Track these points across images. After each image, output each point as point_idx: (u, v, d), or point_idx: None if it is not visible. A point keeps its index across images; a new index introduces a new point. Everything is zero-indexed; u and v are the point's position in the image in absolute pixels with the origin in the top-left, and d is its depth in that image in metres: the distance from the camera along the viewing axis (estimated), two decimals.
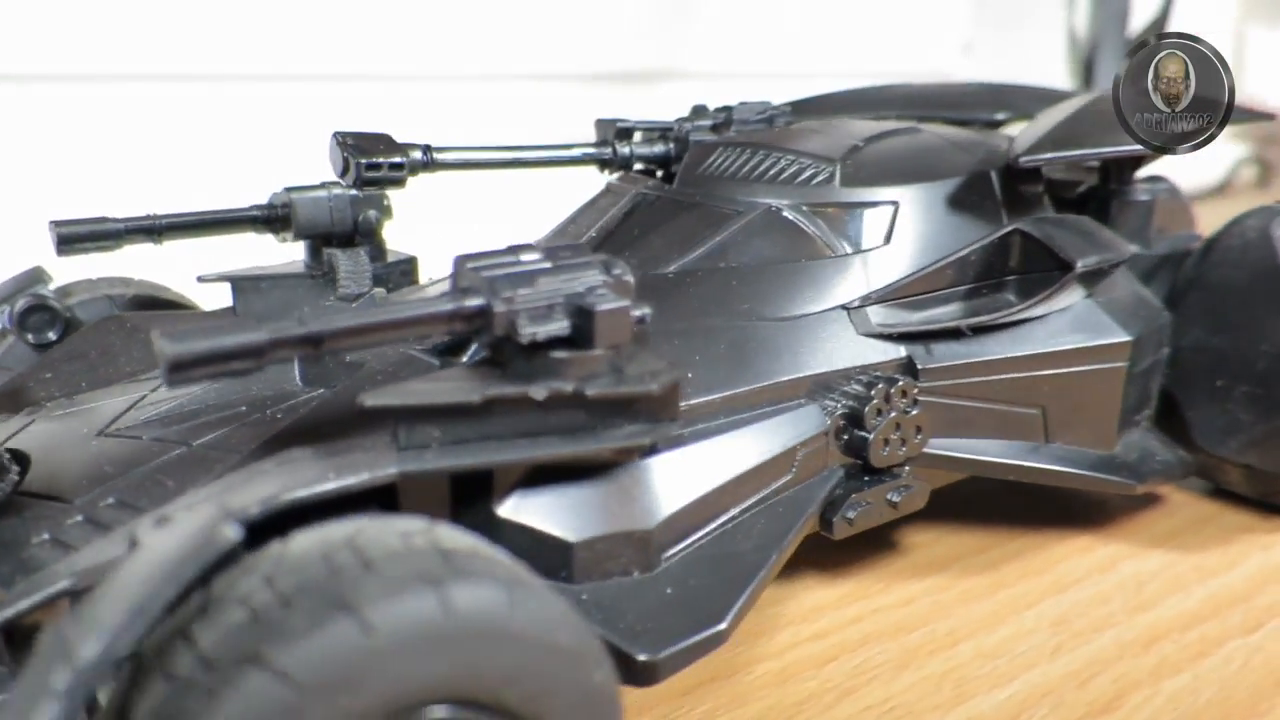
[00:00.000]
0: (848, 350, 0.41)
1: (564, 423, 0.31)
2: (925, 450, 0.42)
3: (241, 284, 0.43)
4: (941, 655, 0.41)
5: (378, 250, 0.46)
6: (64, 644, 0.20)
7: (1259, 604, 0.45)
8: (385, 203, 0.46)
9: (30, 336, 0.43)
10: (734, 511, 0.36)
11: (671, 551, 0.34)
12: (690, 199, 0.45)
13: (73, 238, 0.40)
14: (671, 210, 0.45)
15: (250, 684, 0.20)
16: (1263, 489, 0.50)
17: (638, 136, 0.49)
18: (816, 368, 0.40)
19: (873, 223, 0.44)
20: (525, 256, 0.32)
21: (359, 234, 0.45)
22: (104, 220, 0.41)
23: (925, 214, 0.45)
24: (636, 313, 0.32)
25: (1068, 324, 0.45)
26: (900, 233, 0.44)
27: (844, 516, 0.39)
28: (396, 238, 0.47)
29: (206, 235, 0.44)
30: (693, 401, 0.36)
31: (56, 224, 0.40)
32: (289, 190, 0.44)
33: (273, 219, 0.44)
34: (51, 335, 0.44)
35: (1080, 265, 0.42)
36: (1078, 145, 0.46)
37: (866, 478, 0.41)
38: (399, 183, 0.43)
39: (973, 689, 0.39)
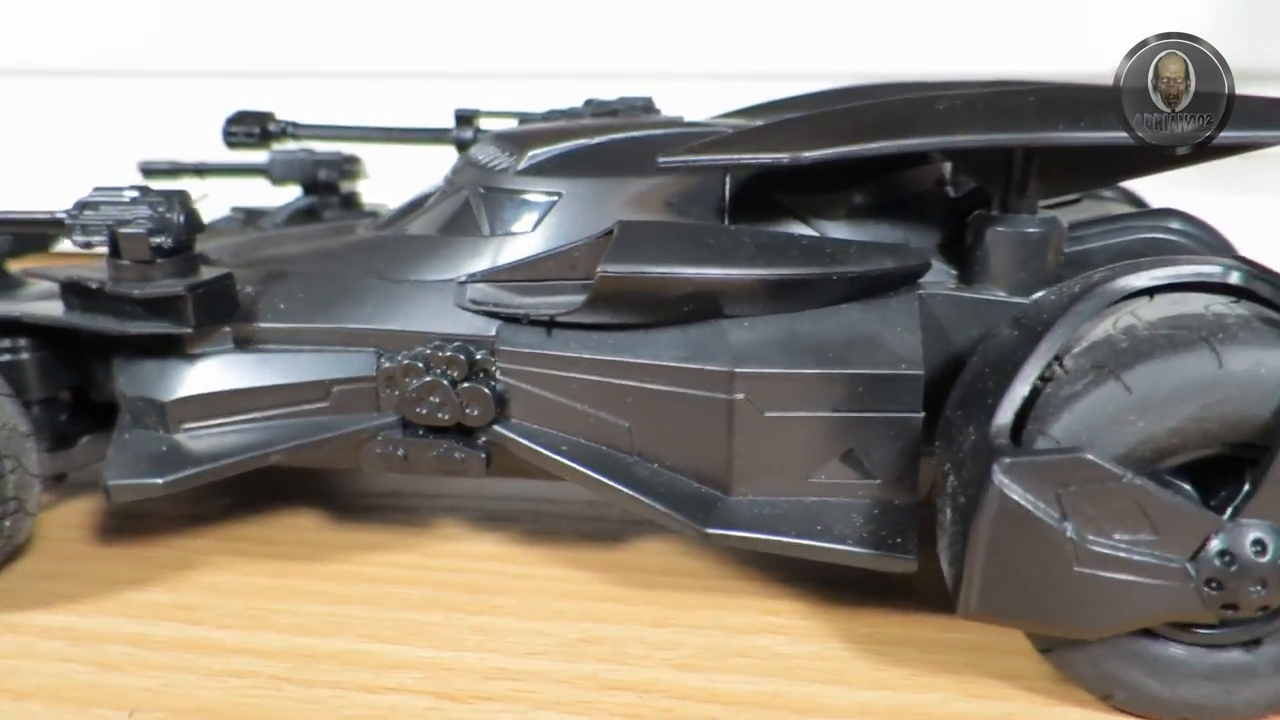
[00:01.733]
0: (434, 317, 0.45)
1: (133, 311, 0.45)
2: (502, 430, 0.44)
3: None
4: (368, 672, 0.41)
5: (345, 202, 0.63)
6: None
7: None
8: (347, 167, 0.62)
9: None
10: (256, 415, 0.45)
11: (190, 425, 0.46)
12: (445, 180, 0.51)
13: (150, 170, 0.65)
14: (435, 190, 0.52)
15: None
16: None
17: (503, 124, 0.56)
18: (389, 324, 0.45)
19: (527, 211, 0.46)
20: (121, 194, 0.46)
21: (319, 187, 0.62)
22: (175, 163, 0.65)
23: (591, 209, 0.45)
24: (155, 240, 0.44)
25: (674, 339, 0.41)
26: (552, 223, 0.45)
27: (369, 449, 0.45)
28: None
29: (228, 177, 0.65)
30: (263, 325, 0.46)
31: (141, 163, 0.65)
32: (274, 152, 0.63)
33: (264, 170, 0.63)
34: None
35: (600, 269, 0.39)
36: (725, 151, 0.41)
37: (420, 431, 0.45)
38: (255, 145, 0.59)
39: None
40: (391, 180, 0.62)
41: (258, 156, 0.64)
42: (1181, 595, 0.34)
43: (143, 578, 0.47)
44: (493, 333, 0.44)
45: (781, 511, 0.41)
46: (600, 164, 0.46)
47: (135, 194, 0.45)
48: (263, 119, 0.59)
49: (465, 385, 0.44)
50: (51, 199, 0.48)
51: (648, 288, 0.40)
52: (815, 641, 0.42)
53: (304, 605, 0.45)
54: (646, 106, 0.55)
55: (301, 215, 0.61)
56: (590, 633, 0.43)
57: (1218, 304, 0.36)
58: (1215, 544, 0.33)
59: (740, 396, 0.40)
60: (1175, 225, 0.46)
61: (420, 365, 0.44)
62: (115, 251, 0.44)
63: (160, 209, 0.44)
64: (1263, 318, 0.34)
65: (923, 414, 0.41)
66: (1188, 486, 0.35)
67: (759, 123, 0.47)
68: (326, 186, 0.62)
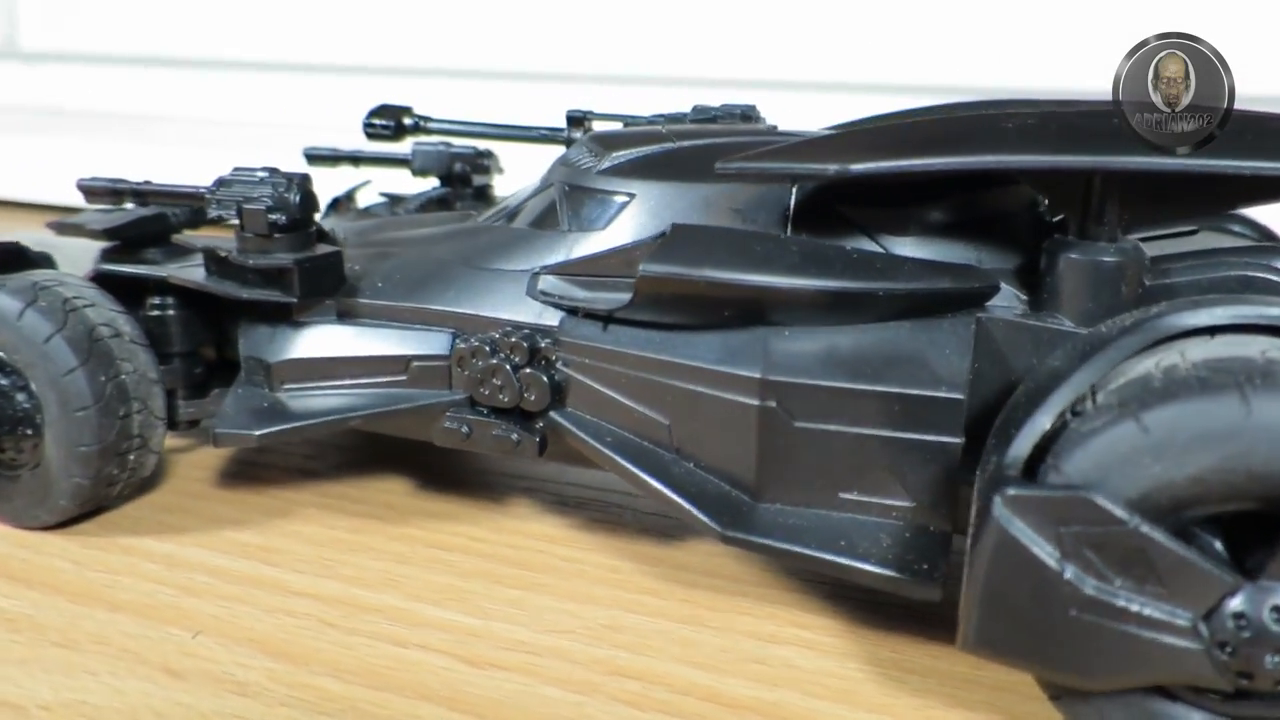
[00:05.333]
0: (506, 305, 0.48)
1: (246, 278, 0.51)
2: (556, 418, 0.46)
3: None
4: (403, 627, 0.43)
5: (478, 194, 0.67)
6: None
7: None
8: (483, 161, 0.66)
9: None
10: (346, 381, 0.50)
11: (289, 385, 0.50)
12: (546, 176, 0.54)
13: (313, 156, 0.71)
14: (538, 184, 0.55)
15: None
16: None
17: (594, 125, 0.58)
18: (465, 309, 0.48)
19: (603, 210, 0.48)
20: (258, 173, 0.51)
21: (454, 178, 0.67)
22: (336, 150, 0.71)
23: (661, 211, 0.46)
24: (272, 217, 0.49)
25: (713, 341, 0.42)
26: (624, 222, 0.47)
27: (441, 425, 0.48)
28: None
29: (385, 168, 0.70)
30: (363, 300, 0.50)
31: (306, 149, 0.71)
32: (416, 144, 0.67)
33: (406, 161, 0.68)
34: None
35: (641, 269, 0.40)
36: (779, 160, 0.41)
37: (484, 411, 0.48)
38: (391, 137, 0.63)
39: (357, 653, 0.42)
40: (523, 175, 0.66)
41: (403, 148, 0.69)
42: (1189, 656, 0.31)
43: (241, 519, 0.52)
44: (556, 323, 0.46)
45: (806, 523, 0.41)
46: (675, 168, 0.47)
47: (263, 174, 0.51)
48: (399, 113, 0.64)
49: (526, 371, 0.46)
50: None
51: (686, 290, 0.41)
52: (835, 659, 0.42)
53: (368, 560, 0.48)
54: (747, 114, 0.56)
55: (434, 204, 0.65)
56: (617, 620, 0.44)
57: (1277, 349, 0.33)
58: (1232, 605, 0.31)
59: (771, 404, 0.40)
60: None
61: (487, 349, 0.47)
62: (241, 225, 0.50)
63: (280, 189, 0.49)
64: None
65: (962, 440, 0.39)
66: (1217, 542, 0.33)
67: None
68: (461, 179, 0.66)
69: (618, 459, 0.44)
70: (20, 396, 0.48)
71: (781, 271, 0.41)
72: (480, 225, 0.53)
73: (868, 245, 0.44)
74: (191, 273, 0.53)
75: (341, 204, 0.70)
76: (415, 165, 0.67)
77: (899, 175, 0.39)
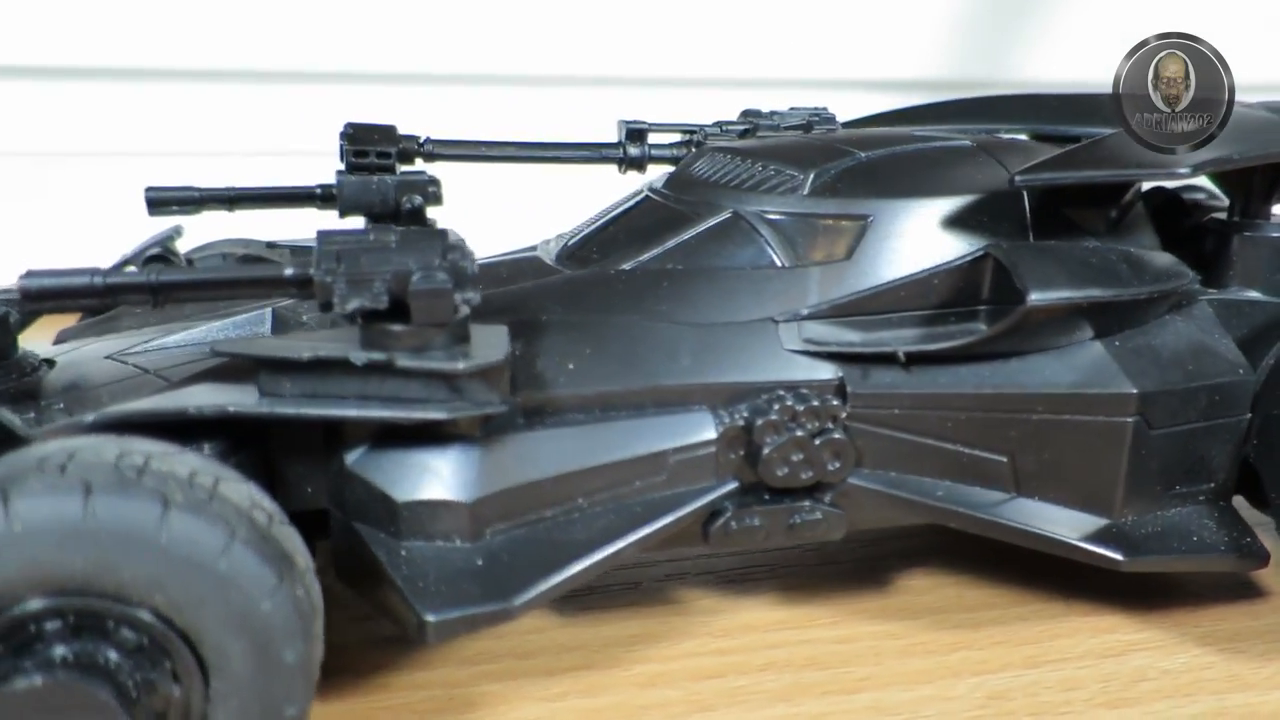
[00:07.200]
0: (766, 364, 0.39)
1: (393, 390, 0.34)
2: (857, 482, 0.40)
3: (296, 249, 0.51)
4: (831, 699, 0.39)
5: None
6: None
7: None
8: (432, 189, 0.51)
9: None
10: (581, 502, 0.37)
11: (499, 526, 0.36)
12: (670, 201, 0.45)
13: (159, 201, 0.49)
14: (654, 212, 0.45)
15: None
16: None
17: (655, 138, 0.50)
18: (719, 377, 0.39)
19: (836, 237, 0.42)
20: (374, 235, 0.35)
21: (403, 215, 0.51)
22: (188, 189, 0.50)
23: (905, 232, 0.42)
24: (461, 296, 0.34)
25: (1055, 365, 0.40)
26: (867, 249, 0.41)
27: (724, 528, 0.39)
28: (463, 224, 0.52)
29: (273, 207, 0.51)
30: (559, 392, 0.37)
31: (149, 189, 0.49)
32: (338, 173, 0.50)
33: (328, 197, 0.51)
34: None
35: (1032, 299, 0.37)
36: (1088, 166, 0.40)
37: (766, 496, 0.39)
38: (388, 169, 0.48)
39: None
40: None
41: (305, 175, 0.51)
42: None
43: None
44: (831, 375, 0.40)
45: (1163, 527, 0.41)
46: (900, 182, 0.43)
47: (394, 236, 0.35)
48: (389, 136, 0.47)
49: (822, 438, 0.39)
50: None
51: (1065, 313, 0.38)
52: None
53: None
54: (824, 117, 0.51)
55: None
56: (987, 687, 0.40)
57: None
58: None
59: (1139, 417, 0.40)
60: None
61: (775, 420, 0.38)
62: (388, 313, 0.34)
63: (453, 255, 0.35)
64: None
65: (1249, 414, 0.42)
66: None
67: (1020, 137, 0.46)
68: (412, 215, 0.51)
69: (960, 510, 0.40)
70: (157, 675, 0.28)
71: (1127, 282, 0.40)
72: (643, 272, 0.42)
73: (1093, 244, 0.44)
74: (239, 397, 0.35)
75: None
76: (343, 200, 0.50)
77: (1236, 166, 0.40)
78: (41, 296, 0.32)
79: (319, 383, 0.35)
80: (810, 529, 0.39)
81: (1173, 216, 0.50)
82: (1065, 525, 0.40)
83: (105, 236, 0.55)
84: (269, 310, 0.44)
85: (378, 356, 0.34)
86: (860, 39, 0.87)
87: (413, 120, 0.52)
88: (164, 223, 0.52)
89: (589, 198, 0.50)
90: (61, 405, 0.38)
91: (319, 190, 0.51)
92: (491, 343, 0.36)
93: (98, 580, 0.26)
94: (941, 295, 0.40)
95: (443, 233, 0.36)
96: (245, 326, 0.44)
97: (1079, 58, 0.89)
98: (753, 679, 0.40)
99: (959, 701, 0.39)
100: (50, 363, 0.42)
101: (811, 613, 0.45)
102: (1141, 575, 0.44)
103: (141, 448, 0.29)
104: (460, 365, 0.34)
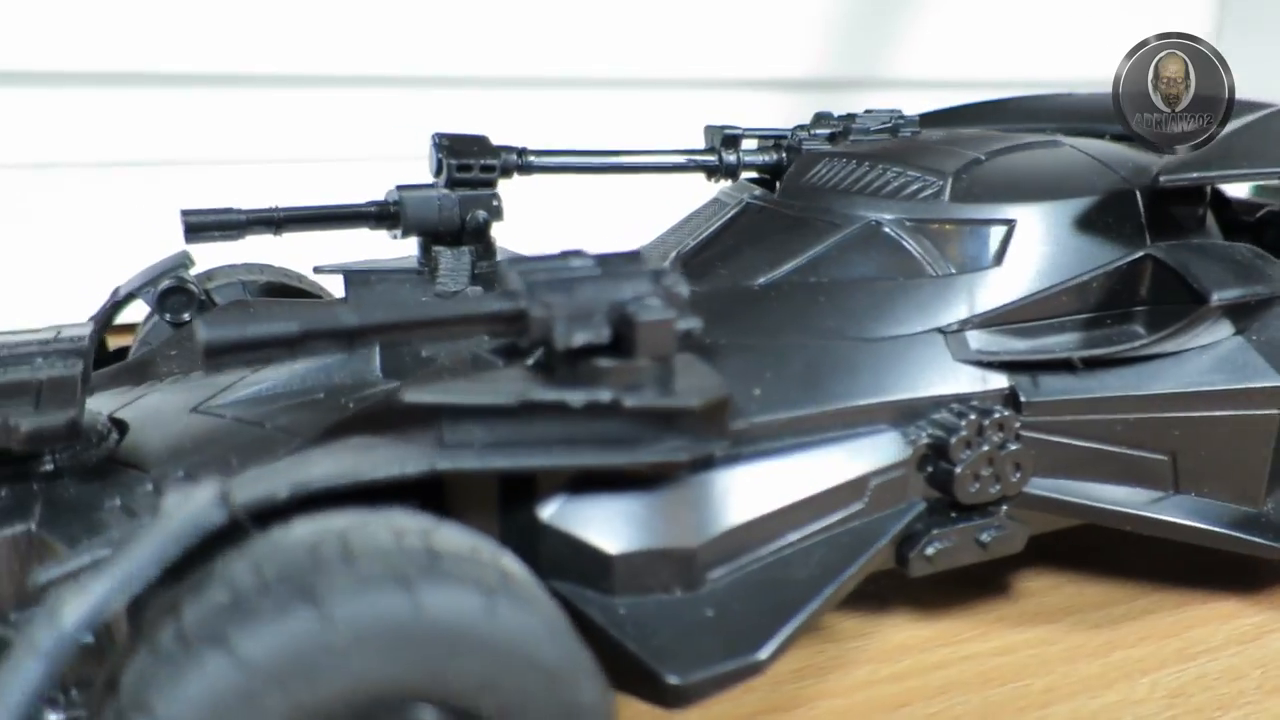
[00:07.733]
0: (940, 377, 0.38)
1: (607, 432, 0.31)
2: (1028, 491, 0.39)
3: (353, 276, 0.45)
4: (1030, 715, 0.38)
5: (486, 250, 0.47)
6: (54, 608, 0.21)
7: None
8: (495, 204, 0.47)
9: (169, 316, 0.47)
10: (792, 537, 0.35)
11: (719, 572, 0.33)
12: (792, 210, 0.43)
13: (199, 226, 0.43)
14: (772, 221, 0.43)
15: (210, 664, 0.21)
16: None
17: (748, 144, 0.48)
18: (900, 393, 0.37)
19: (983, 242, 0.41)
20: (575, 262, 0.31)
21: (466, 233, 0.46)
22: (229, 211, 0.44)
23: (1048, 235, 0.41)
24: (683, 325, 0.31)
25: (1207, 362, 0.40)
26: (1016, 254, 0.41)
27: (922, 553, 0.37)
28: (515, 239, 0.48)
29: (324, 228, 0.46)
30: (755, 420, 0.35)
31: (186, 213, 0.43)
32: (399, 189, 0.45)
33: (385, 215, 0.46)
34: (187, 316, 0.46)
35: (1215, 298, 0.37)
36: (1234, 164, 0.41)
37: (953, 514, 0.38)
38: (490, 184, 0.44)
39: None
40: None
41: (350, 194, 0.46)
42: None
43: None
44: (1002, 385, 0.39)
45: None
46: (1033, 185, 0.42)
47: (589, 261, 0.31)
48: (486, 148, 0.42)
49: (1005, 450, 0.38)
50: None
51: (1226, 311, 0.39)
52: None
53: None
54: (907, 119, 0.50)
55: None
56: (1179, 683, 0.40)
57: None
58: None
59: (1274, 411, 0.41)
60: None
61: (965, 436, 0.37)
62: (623, 347, 0.30)
63: (667, 281, 0.31)
64: None
65: None
66: None
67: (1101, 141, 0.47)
68: (475, 233, 0.46)
69: (1122, 510, 0.40)
70: None
71: (1272, 278, 0.41)
72: (788, 285, 0.40)
73: (1224, 243, 0.45)
74: (416, 454, 0.31)
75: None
76: (406, 218, 0.45)
77: None
78: (226, 350, 0.27)
79: (517, 428, 0.31)
80: (999, 544, 0.38)
81: (1219, 212, 0.52)
82: (1220, 519, 0.41)
83: (107, 246, 0.48)
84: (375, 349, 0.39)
85: (602, 397, 0.30)
86: (736, 40, 0.87)
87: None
88: (164, 227, 0.46)
89: (593, 203, 0.47)
90: (182, 474, 0.33)
91: (374, 208, 0.46)
92: (699, 373, 0.33)
93: (424, 689, 0.22)
94: (1099, 298, 0.40)
95: (637, 255, 0.33)
96: (347, 366, 0.39)
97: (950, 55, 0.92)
98: (942, 704, 0.39)
99: (1147, 705, 0.39)
100: (118, 423, 0.36)
101: (955, 626, 0.44)
102: (1222, 558, 0.46)
103: (397, 524, 0.25)
104: (694, 402, 0.30)
